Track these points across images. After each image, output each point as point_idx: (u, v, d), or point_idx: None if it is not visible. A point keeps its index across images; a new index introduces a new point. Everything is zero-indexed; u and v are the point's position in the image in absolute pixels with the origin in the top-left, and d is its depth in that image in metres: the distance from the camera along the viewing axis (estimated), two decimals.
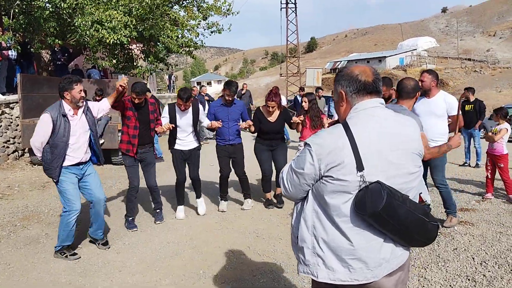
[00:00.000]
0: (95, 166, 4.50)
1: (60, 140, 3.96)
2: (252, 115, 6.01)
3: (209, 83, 75.14)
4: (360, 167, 1.66)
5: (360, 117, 1.76)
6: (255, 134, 5.96)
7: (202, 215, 5.57)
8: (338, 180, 1.69)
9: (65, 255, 4.19)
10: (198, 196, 5.65)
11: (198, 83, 59.09)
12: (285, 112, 5.87)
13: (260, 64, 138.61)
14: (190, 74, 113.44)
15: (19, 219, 5.43)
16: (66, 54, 12.36)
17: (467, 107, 9.37)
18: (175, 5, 12.21)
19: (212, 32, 12.46)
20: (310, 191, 1.83)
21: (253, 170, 6.94)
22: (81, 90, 4.07)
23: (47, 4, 9.66)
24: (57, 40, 10.50)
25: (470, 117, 9.26)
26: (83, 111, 4.17)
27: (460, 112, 4.94)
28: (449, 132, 4.94)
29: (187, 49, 12.32)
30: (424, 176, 4.62)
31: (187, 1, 12.53)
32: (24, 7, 9.96)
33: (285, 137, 6.46)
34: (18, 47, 9.73)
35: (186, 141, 5.39)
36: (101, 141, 8.66)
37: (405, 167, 1.76)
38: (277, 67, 75.33)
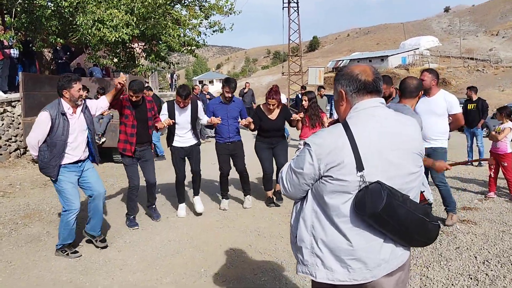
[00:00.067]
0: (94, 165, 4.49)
1: (58, 138, 3.94)
2: (252, 113, 5.99)
3: (211, 82, 75.16)
4: (360, 167, 1.64)
5: (360, 116, 1.74)
6: (255, 133, 5.95)
7: (202, 214, 5.54)
8: (337, 180, 1.67)
9: (66, 253, 4.19)
10: (196, 193, 5.57)
11: (200, 82, 59.07)
12: (285, 109, 5.87)
13: (262, 63, 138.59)
14: (192, 73, 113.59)
15: (20, 217, 5.43)
16: (68, 53, 12.36)
17: (470, 106, 9.35)
18: (177, 4, 12.20)
19: (214, 31, 12.45)
20: (309, 191, 1.81)
21: (254, 169, 6.93)
22: (80, 89, 4.05)
23: (49, 3, 9.67)
24: (58, 38, 10.49)
25: (473, 116, 9.23)
26: (81, 110, 4.16)
27: (461, 111, 4.96)
28: (449, 131, 4.93)
29: (189, 48, 12.32)
30: (426, 174, 4.61)
31: (189, 0, 12.53)
32: (26, 5, 9.97)
33: (285, 134, 6.44)
34: (20, 45, 9.74)
35: (185, 138, 5.38)
36: (102, 140, 8.67)
37: (405, 167, 1.74)
38: (279, 66, 75.36)
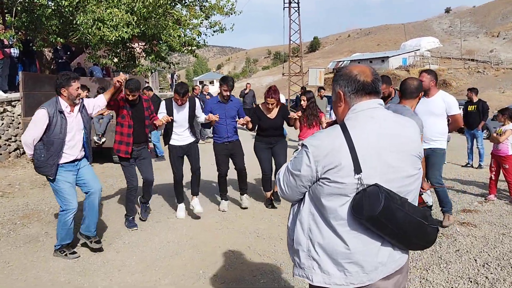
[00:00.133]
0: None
1: (56, 137, 3.90)
2: (251, 113, 5.98)
3: (211, 82, 75.11)
4: (357, 169, 1.62)
5: (358, 118, 1.72)
6: (254, 133, 5.94)
7: (201, 215, 5.51)
8: (335, 183, 1.65)
9: (65, 253, 4.17)
10: (195, 194, 5.49)
11: (201, 82, 59.10)
12: (284, 108, 5.85)
13: (262, 63, 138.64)
14: (192, 73, 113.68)
15: (19, 217, 5.42)
16: (68, 52, 12.36)
17: (470, 108, 9.34)
18: (177, 4, 12.19)
19: (214, 32, 12.43)
20: (306, 193, 1.79)
21: (253, 169, 6.91)
22: (78, 88, 4.03)
23: (49, 2, 9.66)
24: (59, 38, 10.48)
25: (473, 118, 9.23)
26: (79, 109, 4.14)
27: (460, 112, 4.95)
28: (448, 132, 4.93)
29: (190, 48, 12.30)
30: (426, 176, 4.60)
31: (190, 0, 12.51)
32: (26, 5, 9.96)
33: (284, 134, 6.42)
34: (20, 45, 9.73)
35: (183, 136, 5.37)
36: (103, 140, 8.65)
37: (404, 170, 1.72)
38: (279, 66, 75.31)
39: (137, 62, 12.19)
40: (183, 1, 12.43)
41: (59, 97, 3.99)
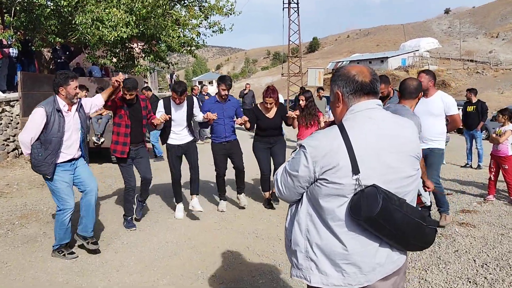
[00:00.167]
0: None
1: (54, 135, 3.88)
2: (249, 112, 5.97)
3: (210, 83, 75.02)
4: (355, 170, 1.61)
5: (356, 119, 1.71)
6: (253, 133, 5.92)
7: (200, 214, 5.50)
8: (333, 183, 1.64)
9: (63, 253, 4.16)
10: (195, 192, 5.45)
11: (200, 82, 59.08)
12: (282, 108, 5.84)
13: (262, 64, 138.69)
14: (191, 73, 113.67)
15: (17, 217, 5.41)
16: (67, 52, 12.34)
17: (469, 108, 9.34)
18: (176, 4, 12.18)
19: (214, 32, 12.42)
20: (304, 194, 1.78)
21: (251, 170, 6.91)
22: (76, 87, 4.01)
23: (48, 2, 9.65)
24: (58, 38, 10.47)
25: (472, 119, 9.23)
26: (76, 108, 4.12)
27: (458, 112, 4.96)
28: (447, 132, 4.93)
29: (189, 48, 12.30)
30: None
31: (189, 0, 12.51)
32: (25, 5, 9.94)
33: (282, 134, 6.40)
34: (19, 45, 9.71)
35: (181, 135, 5.36)
36: (102, 140, 8.64)
37: (403, 170, 1.71)
38: (278, 67, 75.28)
39: (136, 62, 12.18)
40: (182, 2, 12.43)
41: (56, 96, 3.98)
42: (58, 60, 12.13)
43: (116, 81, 4.39)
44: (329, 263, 1.71)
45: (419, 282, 3.60)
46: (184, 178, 5.61)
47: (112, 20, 9.13)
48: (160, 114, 5.12)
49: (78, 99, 4.14)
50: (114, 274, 3.86)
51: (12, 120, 8.90)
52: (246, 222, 5.32)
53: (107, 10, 9.14)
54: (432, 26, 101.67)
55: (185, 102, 5.29)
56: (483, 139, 10.01)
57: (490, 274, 3.66)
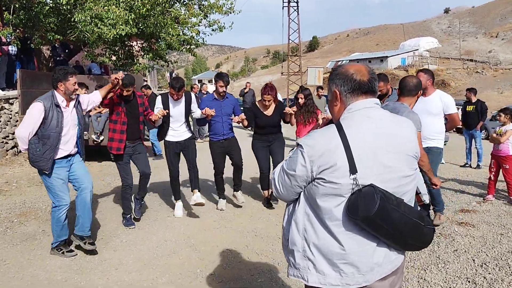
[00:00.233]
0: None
1: (53, 130, 3.86)
2: (248, 110, 5.95)
3: (210, 81, 75.02)
4: (353, 170, 1.60)
5: (354, 118, 1.70)
6: (251, 131, 5.91)
7: (200, 213, 5.50)
8: (330, 183, 1.63)
9: (62, 251, 4.15)
10: (196, 187, 5.40)
11: (199, 81, 59.05)
12: (280, 105, 5.82)
13: (261, 62, 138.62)
14: (191, 72, 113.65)
15: (16, 215, 5.40)
16: (66, 50, 12.31)
17: (469, 108, 9.34)
18: (176, 2, 12.15)
19: (213, 30, 12.39)
20: (302, 193, 1.77)
21: (250, 168, 6.90)
22: (75, 83, 4.00)
23: (47, 0, 9.61)
24: (57, 35, 10.44)
25: (472, 118, 9.24)
26: (74, 104, 4.11)
27: (457, 111, 4.97)
28: (446, 131, 4.93)
29: (188, 47, 12.27)
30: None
31: None
32: (24, 2, 9.91)
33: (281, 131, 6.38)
34: (18, 42, 9.69)
35: (179, 132, 5.34)
36: (101, 138, 8.62)
37: (400, 170, 1.70)
38: (278, 65, 75.27)
39: (135, 60, 12.16)
40: (182, 0, 12.39)
41: (55, 91, 3.95)
42: (58, 58, 12.10)
43: (116, 78, 4.38)
44: (326, 262, 1.70)
45: (418, 281, 3.59)
46: (182, 176, 5.60)
47: (112, 18, 9.11)
48: (158, 110, 5.10)
49: (76, 95, 4.12)
50: (113, 272, 3.85)
51: (11, 118, 8.89)
52: (245, 221, 5.31)
53: (106, 8, 9.11)
54: (431, 25, 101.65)
55: (183, 98, 5.28)
56: (482, 139, 10.01)
57: (489, 273, 3.66)
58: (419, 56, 54.26)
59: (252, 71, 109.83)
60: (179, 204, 5.54)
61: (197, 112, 5.46)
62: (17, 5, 9.83)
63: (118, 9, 9.20)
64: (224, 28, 12.38)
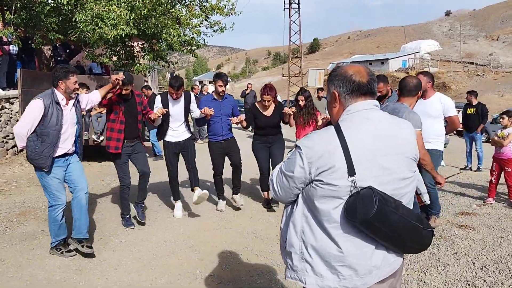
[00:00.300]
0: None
1: (52, 128, 3.84)
2: (247, 111, 5.95)
3: (211, 82, 74.99)
4: (351, 172, 1.59)
5: (353, 119, 1.69)
6: (251, 132, 5.91)
7: (199, 214, 5.49)
8: (328, 185, 1.62)
9: (61, 251, 4.14)
10: (196, 184, 5.40)
11: (200, 82, 59.06)
12: (280, 106, 5.81)
13: (262, 64, 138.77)
14: (192, 73, 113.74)
15: (15, 214, 5.39)
16: (67, 50, 12.32)
17: (469, 111, 9.34)
18: (177, 4, 12.15)
19: (214, 31, 12.39)
20: (300, 195, 1.76)
21: (250, 169, 6.89)
22: (76, 82, 3.99)
23: (49, 0, 9.63)
24: (58, 35, 10.44)
25: (473, 121, 9.23)
26: (73, 103, 4.10)
27: (457, 113, 4.96)
28: (445, 134, 4.92)
29: (189, 48, 12.28)
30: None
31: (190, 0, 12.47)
32: (25, 1, 9.92)
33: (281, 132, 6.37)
34: (19, 42, 9.69)
35: (179, 132, 5.34)
36: (101, 138, 8.62)
37: (399, 172, 1.69)
38: (279, 67, 75.36)
39: (136, 60, 12.16)
40: (183, 1, 12.39)
41: (55, 89, 3.95)
42: (58, 58, 12.10)
43: (116, 79, 4.38)
44: (324, 265, 1.69)
45: (417, 284, 3.58)
46: (181, 177, 5.59)
47: (112, 18, 9.11)
48: (157, 109, 5.10)
49: (76, 94, 4.12)
50: (112, 272, 3.84)
51: (11, 118, 8.88)
52: (245, 222, 5.30)
53: (107, 7, 9.11)
54: (432, 28, 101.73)
55: (182, 97, 5.27)
56: (483, 142, 10.01)
57: (489, 277, 3.65)
58: (420, 59, 54.26)
59: (253, 73, 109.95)
60: (178, 204, 5.54)
61: (196, 112, 5.45)
62: (18, 5, 9.83)
63: (119, 9, 9.20)
64: (225, 29, 12.39)
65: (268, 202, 5.91)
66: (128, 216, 5.08)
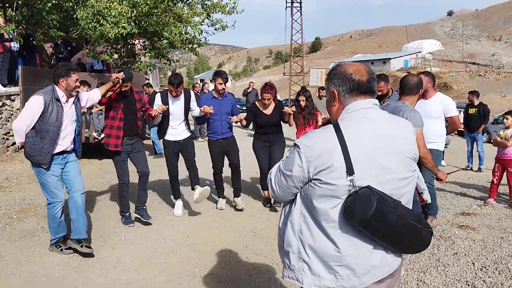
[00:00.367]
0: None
1: (52, 125, 3.83)
2: (248, 110, 5.94)
3: (212, 81, 74.93)
4: (350, 171, 1.58)
5: (352, 118, 1.68)
6: (251, 131, 5.90)
7: (200, 211, 5.49)
8: (326, 184, 1.61)
9: (61, 248, 4.14)
10: (197, 183, 5.38)
11: (201, 80, 59.05)
12: (280, 104, 5.80)
13: (264, 63, 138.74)
14: (193, 71, 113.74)
15: (15, 211, 5.39)
16: (69, 48, 12.32)
17: (471, 111, 9.32)
18: (179, 2, 12.13)
19: (216, 29, 12.38)
20: (298, 194, 1.75)
21: (250, 168, 6.87)
22: (77, 79, 3.99)
23: None
24: (59, 32, 10.43)
25: (474, 121, 9.21)
26: (73, 101, 4.09)
27: (457, 114, 4.95)
28: (446, 134, 4.91)
29: (191, 46, 12.27)
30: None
31: None
32: None
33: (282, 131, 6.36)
34: (20, 39, 9.69)
35: (178, 130, 5.32)
36: (102, 135, 8.61)
37: (398, 172, 1.67)
38: (280, 66, 75.31)
39: (137, 58, 12.15)
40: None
41: (56, 86, 3.94)
42: (60, 55, 12.11)
43: (117, 78, 4.36)
44: (321, 264, 1.68)
45: (417, 284, 3.57)
46: (182, 175, 5.58)
47: (114, 16, 9.09)
48: (157, 106, 5.08)
49: (77, 92, 4.11)
50: (111, 270, 3.84)
51: (12, 114, 8.89)
52: (244, 221, 5.30)
53: (109, 4, 9.10)
54: (435, 28, 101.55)
55: (182, 95, 5.26)
56: (484, 142, 9.98)
57: (489, 277, 3.64)
58: (421, 59, 54.20)
59: (254, 71, 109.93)
60: (178, 203, 5.53)
61: (196, 111, 5.44)
62: (20, 2, 9.83)
63: (121, 6, 9.18)
64: (227, 27, 12.38)
65: (269, 200, 5.90)
66: (127, 214, 5.07)
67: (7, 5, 10.14)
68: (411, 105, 3.64)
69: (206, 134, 12.13)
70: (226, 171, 5.84)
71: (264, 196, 6.02)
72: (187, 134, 5.38)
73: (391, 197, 1.62)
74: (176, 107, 5.25)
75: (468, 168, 9.20)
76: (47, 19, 10.02)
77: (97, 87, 9.39)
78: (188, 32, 11.86)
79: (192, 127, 5.71)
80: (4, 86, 9.16)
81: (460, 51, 60.29)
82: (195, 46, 12.20)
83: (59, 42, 11.75)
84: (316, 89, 14.34)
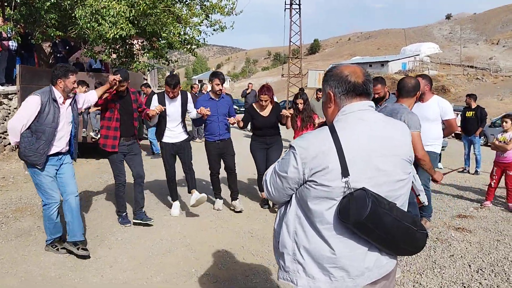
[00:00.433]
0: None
1: (48, 125, 3.82)
2: (244, 112, 5.94)
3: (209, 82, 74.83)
4: (345, 173, 1.57)
5: (348, 120, 1.68)
6: (249, 132, 5.90)
7: (196, 213, 5.48)
8: (321, 186, 1.60)
9: (56, 248, 4.13)
10: (193, 187, 5.35)
11: (200, 81, 59.01)
12: (277, 106, 5.80)
13: (262, 64, 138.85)
14: (192, 72, 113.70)
15: (11, 210, 5.37)
16: (67, 47, 12.29)
17: (468, 114, 9.35)
18: (177, 2, 12.13)
19: (214, 30, 12.38)
20: (293, 196, 1.75)
21: (248, 169, 6.86)
22: (75, 81, 3.98)
23: None
24: (58, 32, 10.42)
25: (471, 124, 9.24)
26: (70, 102, 4.08)
27: (454, 116, 4.96)
28: (443, 137, 4.92)
29: (189, 47, 12.26)
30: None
31: None
32: None
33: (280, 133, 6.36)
34: (19, 38, 9.66)
35: (176, 133, 5.31)
36: (99, 135, 8.60)
37: (394, 174, 1.67)
38: (279, 67, 75.41)
39: (135, 58, 12.14)
40: (184, 0, 12.37)
41: (53, 87, 3.93)
42: (58, 55, 12.09)
43: (114, 80, 4.36)
44: (316, 266, 1.67)
45: (413, 285, 3.58)
46: (179, 176, 5.58)
47: (112, 15, 9.08)
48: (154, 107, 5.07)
49: (74, 94, 4.11)
50: (107, 270, 3.83)
51: (9, 113, 8.86)
52: (241, 222, 5.29)
53: (107, 3, 9.08)
54: (433, 31, 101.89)
55: (179, 97, 5.25)
56: (481, 145, 10.01)
57: (485, 279, 3.65)
58: (419, 61, 54.40)
59: (252, 73, 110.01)
60: (176, 203, 5.53)
61: (193, 112, 5.43)
62: (18, 0, 9.80)
63: (119, 5, 9.17)
64: (226, 28, 12.38)
65: (266, 202, 5.90)
66: (124, 213, 5.06)
67: (6, 3, 10.11)
68: (408, 107, 3.65)
69: (203, 135, 12.16)
70: (223, 172, 5.84)
71: (261, 198, 6.02)
72: (184, 136, 5.37)
73: (386, 199, 1.62)
74: (173, 108, 5.24)
75: (465, 171, 9.22)
76: (46, 18, 10.00)
77: (95, 86, 9.42)
78: (187, 33, 11.86)
79: (189, 128, 5.70)
80: (2, 85, 9.14)
81: (458, 54, 60.50)
82: (193, 47, 12.21)
83: (57, 41, 11.73)
84: (314, 91, 14.35)
